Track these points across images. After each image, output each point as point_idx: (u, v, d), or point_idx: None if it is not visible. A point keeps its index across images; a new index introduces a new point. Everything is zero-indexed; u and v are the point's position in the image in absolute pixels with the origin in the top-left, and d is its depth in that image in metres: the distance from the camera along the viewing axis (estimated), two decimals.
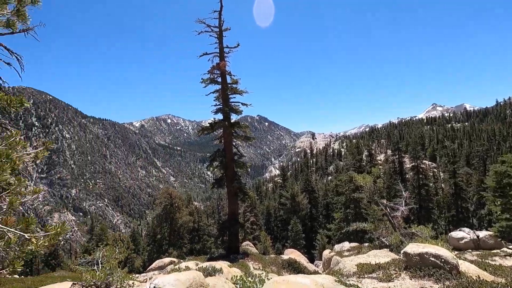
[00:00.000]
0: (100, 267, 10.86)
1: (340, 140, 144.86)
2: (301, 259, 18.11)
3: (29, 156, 2.08)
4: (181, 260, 18.22)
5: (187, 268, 11.54)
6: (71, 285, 9.61)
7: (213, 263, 12.10)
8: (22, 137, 2.13)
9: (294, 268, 14.56)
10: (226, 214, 31.70)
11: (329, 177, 75.12)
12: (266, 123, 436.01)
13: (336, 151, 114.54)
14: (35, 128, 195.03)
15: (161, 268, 15.50)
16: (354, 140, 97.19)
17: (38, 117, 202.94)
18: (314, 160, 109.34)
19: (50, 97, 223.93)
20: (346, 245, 20.46)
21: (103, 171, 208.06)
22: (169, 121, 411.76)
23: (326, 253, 17.41)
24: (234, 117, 19.09)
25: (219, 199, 51.43)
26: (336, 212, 32.35)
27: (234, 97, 18.84)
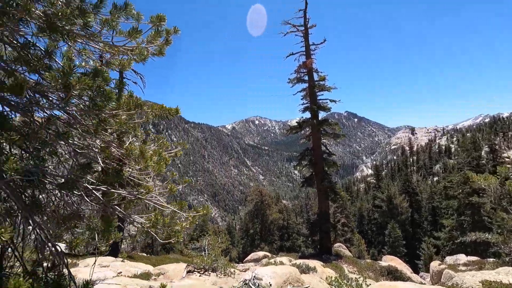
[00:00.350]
0: (206, 253, 12.35)
1: (448, 135, 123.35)
2: (403, 268, 16.31)
3: (170, 154, 2.63)
4: (274, 255, 18.95)
5: (281, 263, 11.95)
6: (186, 266, 11.25)
7: (306, 261, 12.17)
8: (166, 140, 2.69)
9: (396, 277, 13.24)
10: (315, 213, 31.24)
11: (435, 178, 64.96)
12: (356, 119, 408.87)
13: (443, 147, 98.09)
14: (152, 133, 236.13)
15: (256, 261, 16.49)
16: (468, 134, 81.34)
17: (153, 124, 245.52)
18: (415, 158, 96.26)
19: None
20: (462, 258, 17.35)
21: (203, 169, 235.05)
22: (257, 122, 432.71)
23: (434, 265, 15.20)
24: (321, 115, 18.78)
25: (307, 198, 51.07)
26: (445, 219, 27.75)
27: (322, 94, 18.50)
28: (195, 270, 10.72)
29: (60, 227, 2.05)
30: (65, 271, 1.80)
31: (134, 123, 2.40)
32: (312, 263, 12.07)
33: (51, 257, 1.89)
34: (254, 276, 7.45)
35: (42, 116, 2.11)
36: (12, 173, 1.42)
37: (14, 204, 1.79)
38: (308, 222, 40.77)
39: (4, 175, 1.48)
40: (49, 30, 1.85)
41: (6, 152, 1.81)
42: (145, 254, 22.65)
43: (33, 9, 1.79)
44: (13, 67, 1.98)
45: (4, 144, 1.83)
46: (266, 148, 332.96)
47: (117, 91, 2.14)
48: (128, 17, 2.20)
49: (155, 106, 2.20)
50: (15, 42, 2.03)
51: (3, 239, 1.35)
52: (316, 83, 18.34)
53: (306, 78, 18.62)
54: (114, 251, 15.81)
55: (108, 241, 2.13)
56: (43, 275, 1.72)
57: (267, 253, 18.34)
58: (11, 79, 1.86)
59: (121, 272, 10.07)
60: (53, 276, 1.72)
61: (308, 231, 34.15)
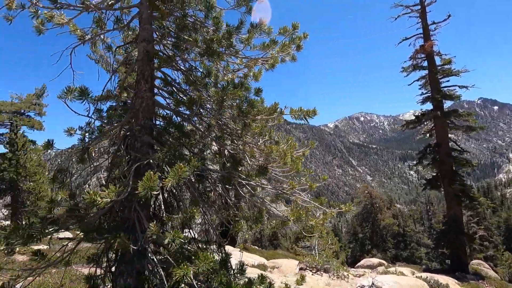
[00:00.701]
0: (317, 253, 12.34)
1: None
2: None
3: (298, 154, 2.82)
4: (390, 264, 17.17)
5: (401, 274, 10.72)
6: (298, 263, 11.57)
7: (434, 276, 10.51)
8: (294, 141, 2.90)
9: None
10: (441, 221, 26.63)
11: None
12: (495, 107, 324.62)
13: None
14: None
15: (370, 267, 15.34)
16: None
17: None
18: None
19: None
20: None
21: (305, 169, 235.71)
22: (362, 119, 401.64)
23: None
24: (446, 105, 16.01)
25: (428, 203, 44.15)
26: None
27: (448, 80, 15.68)
28: (307, 268, 10.89)
29: (219, 215, 2.52)
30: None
31: (269, 126, 2.70)
32: (443, 279, 10.33)
33: (214, 238, 2.36)
34: (373, 283, 6.95)
35: (199, 123, 2.66)
36: (195, 170, 1.86)
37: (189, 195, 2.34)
38: (430, 231, 35.32)
39: (188, 172, 1.94)
40: (207, 54, 2.31)
41: (184, 153, 2.40)
42: (257, 247, 24.48)
43: (198, 39, 2.29)
44: (184, 87, 2.57)
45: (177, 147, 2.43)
46: (373, 146, 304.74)
47: (258, 98, 2.47)
48: (261, 32, 2.51)
49: (293, 109, 2.41)
50: (182, 68, 2.63)
51: (197, 219, 1.80)
52: (439, 68, 15.70)
53: (425, 64, 16.21)
54: (232, 242, 17.76)
55: (251, 229, 2.46)
56: (211, 253, 2.17)
57: (383, 261, 16.76)
58: (186, 97, 2.44)
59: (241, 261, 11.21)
60: (220, 255, 2.14)
61: (433, 241, 29.35)
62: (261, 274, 2.15)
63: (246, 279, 2.21)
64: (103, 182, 2.96)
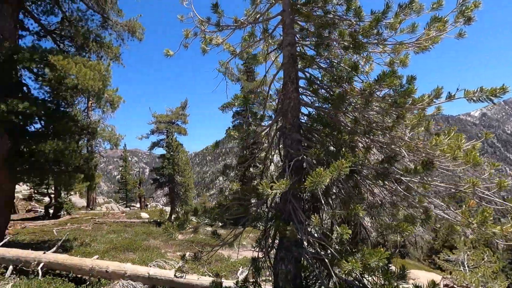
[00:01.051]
0: (467, 270, 10.14)
1: None
2: None
3: (467, 147, 2.40)
4: None
5: None
6: (442, 278, 9.83)
7: None
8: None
9: None
10: None
11: None
12: None
13: None
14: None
15: None
16: None
17: None
18: None
19: None
20: None
21: (441, 167, 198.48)
22: None
23: None
24: None
25: None
26: None
27: None
28: (454, 286, 9.09)
29: (372, 213, 2.45)
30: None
31: (427, 116, 2.41)
32: None
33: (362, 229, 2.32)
34: None
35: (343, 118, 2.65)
36: (352, 165, 1.86)
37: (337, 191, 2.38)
38: None
39: (348, 167, 1.96)
40: (353, 47, 2.26)
41: (334, 149, 2.47)
42: None
43: (345, 34, 2.28)
44: (326, 84, 2.62)
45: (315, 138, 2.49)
46: None
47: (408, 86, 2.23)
48: (410, 12, 2.24)
49: (469, 91, 2.05)
50: (323, 65, 2.69)
51: (360, 215, 1.82)
52: None
53: None
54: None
55: (411, 231, 2.25)
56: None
57: None
58: (330, 94, 2.48)
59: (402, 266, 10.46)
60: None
61: None
62: (433, 281, 1.90)
63: (411, 285, 2.01)
64: (231, 175, 3.37)
